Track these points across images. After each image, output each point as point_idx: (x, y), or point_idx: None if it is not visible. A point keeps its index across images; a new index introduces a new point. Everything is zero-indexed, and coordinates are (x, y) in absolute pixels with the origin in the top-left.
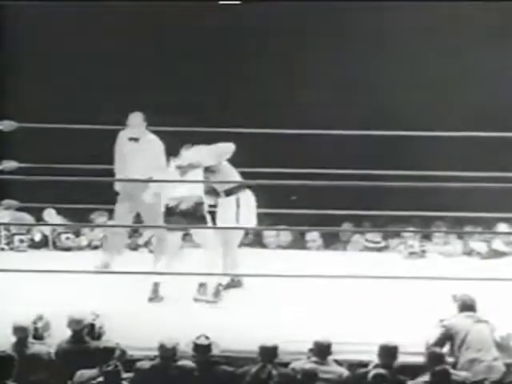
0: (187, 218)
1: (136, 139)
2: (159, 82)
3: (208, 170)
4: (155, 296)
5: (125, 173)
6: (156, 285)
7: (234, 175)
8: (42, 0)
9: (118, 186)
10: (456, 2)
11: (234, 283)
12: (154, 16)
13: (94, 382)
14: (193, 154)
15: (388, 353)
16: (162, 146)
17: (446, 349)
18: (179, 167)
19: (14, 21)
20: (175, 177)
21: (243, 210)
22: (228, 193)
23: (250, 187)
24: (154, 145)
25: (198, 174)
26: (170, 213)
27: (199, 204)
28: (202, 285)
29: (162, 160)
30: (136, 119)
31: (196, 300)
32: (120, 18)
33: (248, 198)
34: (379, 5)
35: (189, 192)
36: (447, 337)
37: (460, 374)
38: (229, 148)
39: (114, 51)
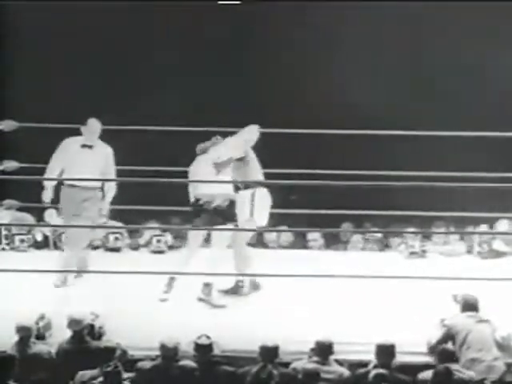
0: (220, 216)
1: (90, 146)
2: (159, 82)
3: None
4: (169, 291)
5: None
6: (172, 280)
7: (258, 170)
8: (42, 0)
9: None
10: (456, 2)
11: (254, 285)
12: (154, 16)
13: (95, 381)
14: (225, 149)
15: (385, 352)
16: (112, 154)
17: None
18: (216, 165)
19: (14, 21)
20: (208, 174)
21: (257, 205)
22: (246, 186)
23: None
24: (107, 153)
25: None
26: (201, 209)
27: (231, 202)
28: (207, 285)
29: (112, 168)
30: (96, 125)
31: (200, 300)
32: (120, 18)
33: (264, 195)
34: (380, 4)
35: (222, 189)
36: (449, 336)
37: (466, 372)
38: (253, 131)
39: (114, 51)
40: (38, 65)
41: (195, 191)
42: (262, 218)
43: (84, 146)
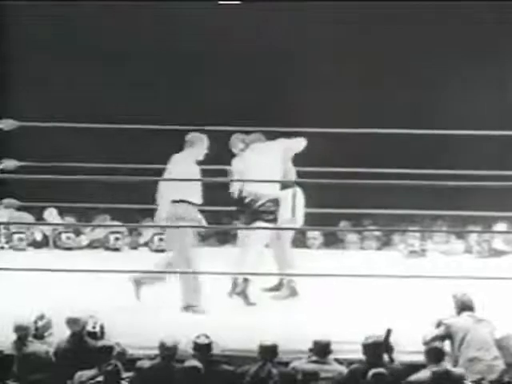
0: (260, 216)
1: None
2: (158, 82)
3: None
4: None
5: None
6: (246, 281)
7: (293, 171)
8: (42, 0)
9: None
10: (457, 2)
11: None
12: (154, 16)
13: (92, 381)
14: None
15: (371, 350)
16: None
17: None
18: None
19: (14, 21)
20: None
21: (298, 204)
22: (284, 186)
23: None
24: None
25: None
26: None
27: (275, 202)
28: (245, 280)
29: None
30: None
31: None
32: (120, 18)
33: (301, 195)
34: (381, 5)
35: (267, 189)
36: (446, 335)
37: (456, 370)
38: (301, 143)
39: (114, 51)
40: (38, 65)
41: (244, 188)
42: (301, 218)
43: (198, 162)
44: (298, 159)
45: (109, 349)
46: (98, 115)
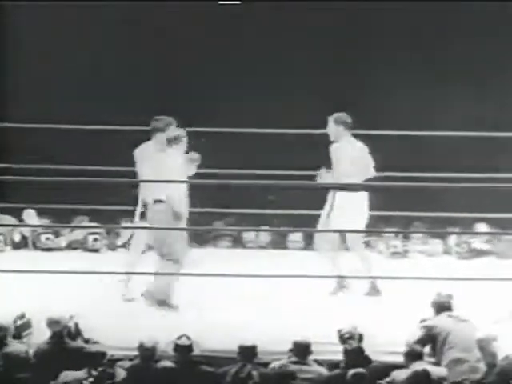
0: None
1: None
2: (158, 82)
3: None
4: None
5: None
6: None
7: None
8: (42, 0)
9: None
10: (456, 1)
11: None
12: (154, 16)
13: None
14: None
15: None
16: None
17: (426, 349)
18: None
19: (14, 21)
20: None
21: (337, 207)
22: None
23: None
24: None
25: None
26: None
27: None
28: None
29: None
30: None
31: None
32: (120, 18)
33: (349, 197)
34: (379, 4)
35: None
36: (429, 337)
37: (436, 369)
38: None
39: (114, 51)
40: (37, 64)
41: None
42: (344, 221)
43: None
44: None
45: (99, 354)
46: (84, 117)
